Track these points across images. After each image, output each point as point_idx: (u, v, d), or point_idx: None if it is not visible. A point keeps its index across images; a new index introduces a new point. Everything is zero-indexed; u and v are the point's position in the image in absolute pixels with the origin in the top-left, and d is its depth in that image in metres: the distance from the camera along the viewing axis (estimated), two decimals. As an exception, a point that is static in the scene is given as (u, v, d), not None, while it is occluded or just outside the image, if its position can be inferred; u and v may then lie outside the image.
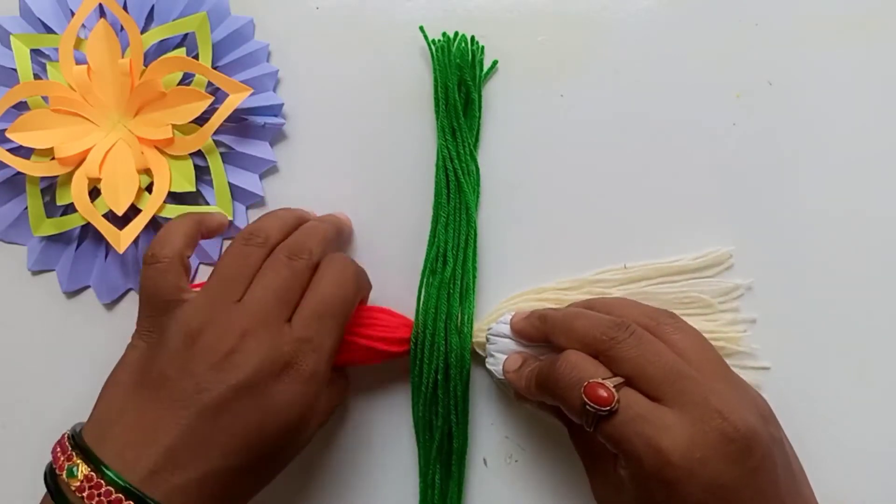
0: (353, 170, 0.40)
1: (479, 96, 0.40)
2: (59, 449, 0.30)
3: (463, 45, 0.40)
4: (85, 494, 0.28)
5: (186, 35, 0.40)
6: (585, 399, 0.29)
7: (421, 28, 0.40)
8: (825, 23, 0.41)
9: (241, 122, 0.40)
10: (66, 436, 0.30)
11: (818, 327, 0.38)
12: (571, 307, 0.35)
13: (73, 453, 0.29)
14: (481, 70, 0.40)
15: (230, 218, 0.39)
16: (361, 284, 0.35)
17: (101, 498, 0.28)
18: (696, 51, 0.41)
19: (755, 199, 0.39)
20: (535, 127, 0.40)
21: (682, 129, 0.40)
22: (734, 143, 0.40)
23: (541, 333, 0.34)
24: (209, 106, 0.38)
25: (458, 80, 0.39)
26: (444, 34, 0.40)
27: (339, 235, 0.37)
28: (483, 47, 0.41)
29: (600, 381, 0.29)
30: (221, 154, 0.40)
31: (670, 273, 0.38)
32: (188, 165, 0.39)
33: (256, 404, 0.30)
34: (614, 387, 0.29)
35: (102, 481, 0.28)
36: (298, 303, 0.33)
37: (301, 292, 0.33)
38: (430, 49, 0.40)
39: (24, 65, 0.40)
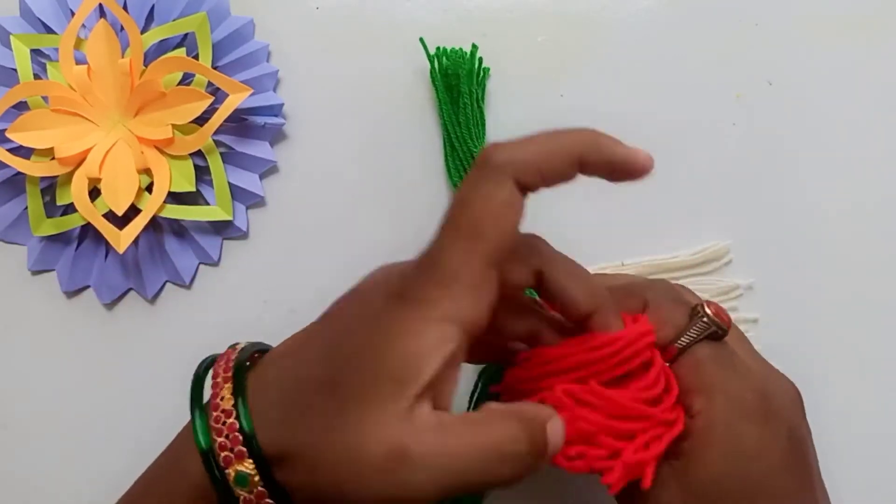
0: (353, 169, 0.40)
1: (483, 113, 0.40)
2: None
3: (461, 58, 0.39)
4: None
5: (186, 35, 0.40)
6: (709, 312, 0.27)
7: (421, 40, 0.40)
8: (825, 23, 0.41)
9: (241, 122, 0.40)
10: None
11: (819, 328, 0.38)
12: None
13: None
14: (484, 82, 0.40)
15: (230, 217, 0.39)
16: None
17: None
18: (696, 51, 0.41)
19: (755, 200, 0.39)
20: (535, 127, 0.40)
21: (682, 129, 0.40)
22: (734, 143, 0.40)
23: None
24: (209, 106, 0.38)
25: (460, 92, 0.39)
26: (438, 49, 0.40)
27: None
28: (483, 61, 0.40)
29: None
30: (221, 154, 0.40)
31: (668, 269, 0.38)
32: (188, 165, 0.39)
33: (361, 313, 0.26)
34: None
35: None
36: None
37: None
38: (432, 65, 0.40)
39: (24, 65, 0.40)
